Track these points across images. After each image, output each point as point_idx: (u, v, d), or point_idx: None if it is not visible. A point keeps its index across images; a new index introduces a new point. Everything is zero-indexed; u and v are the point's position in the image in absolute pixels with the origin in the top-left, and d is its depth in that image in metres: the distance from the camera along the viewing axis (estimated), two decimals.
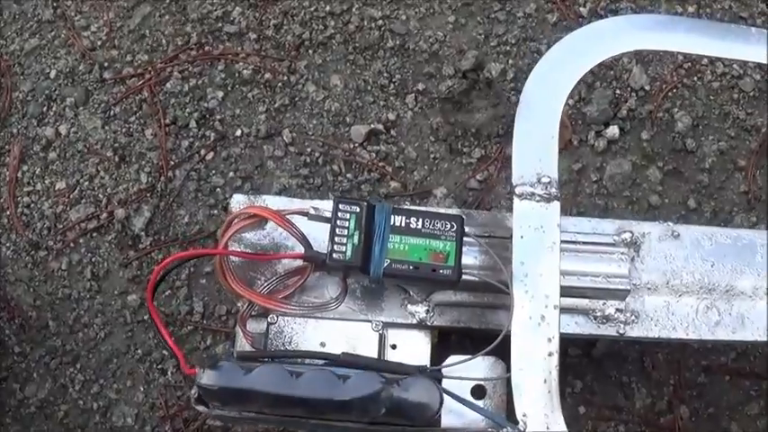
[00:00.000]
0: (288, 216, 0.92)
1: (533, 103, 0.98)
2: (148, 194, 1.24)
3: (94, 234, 1.23)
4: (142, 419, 1.17)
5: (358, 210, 0.91)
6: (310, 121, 1.29)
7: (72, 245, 1.23)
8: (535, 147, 0.96)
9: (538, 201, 0.93)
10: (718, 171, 1.28)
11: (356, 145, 1.28)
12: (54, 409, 1.17)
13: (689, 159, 1.29)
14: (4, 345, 1.18)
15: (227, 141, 1.28)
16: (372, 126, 1.28)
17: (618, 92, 1.31)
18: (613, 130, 1.29)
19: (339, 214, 0.91)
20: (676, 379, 1.20)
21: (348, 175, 1.26)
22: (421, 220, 0.92)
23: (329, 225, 0.91)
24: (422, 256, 0.91)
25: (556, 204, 0.93)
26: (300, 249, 0.93)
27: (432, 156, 1.28)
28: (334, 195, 1.24)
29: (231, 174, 1.26)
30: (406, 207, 0.96)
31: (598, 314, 0.99)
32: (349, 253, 0.90)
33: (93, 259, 1.22)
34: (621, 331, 0.99)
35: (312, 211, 0.92)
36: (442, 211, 1.03)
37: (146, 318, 1.20)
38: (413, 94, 1.31)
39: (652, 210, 1.26)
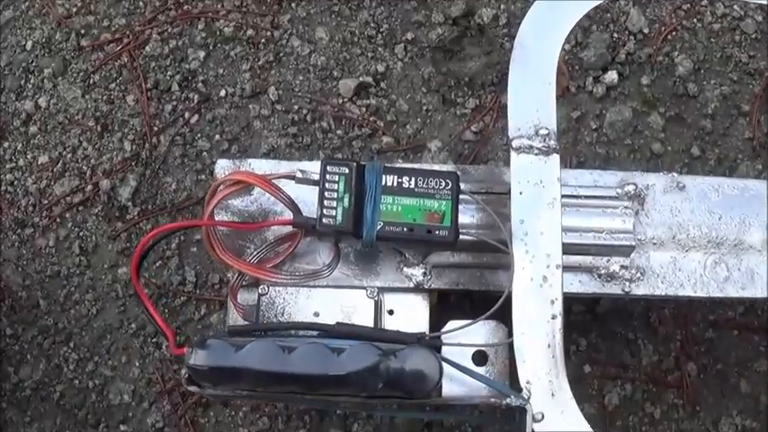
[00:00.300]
0: (275, 180, 0.89)
1: (528, 49, 0.93)
2: (133, 163, 1.20)
3: (80, 207, 1.19)
4: (139, 396, 1.14)
5: (347, 171, 0.87)
6: (296, 77, 1.24)
7: (58, 220, 1.19)
8: (531, 96, 0.92)
9: (536, 154, 0.89)
10: (721, 117, 1.24)
11: (345, 100, 1.23)
12: (50, 391, 1.14)
13: (691, 105, 1.24)
14: None
15: (211, 103, 1.23)
16: (361, 79, 1.23)
17: (615, 35, 1.26)
18: (612, 76, 1.24)
19: (327, 177, 0.86)
20: (683, 334, 1.16)
21: (338, 132, 1.22)
22: (414, 178, 0.87)
23: (318, 188, 0.87)
24: (416, 216, 0.87)
25: (555, 157, 0.89)
26: (289, 215, 0.89)
27: (424, 108, 1.23)
28: (323, 155, 1.20)
29: (217, 136, 1.21)
30: (397, 166, 0.92)
31: (602, 272, 0.95)
32: (339, 217, 0.86)
33: (81, 234, 1.18)
34: (627, 289, 0.95)
35: (299, 174, 0.88)
36: (437, 167, 0.98)
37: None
38: (402, 44, 1.26)
39: (655, 158, 1.22)
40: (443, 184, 0.88)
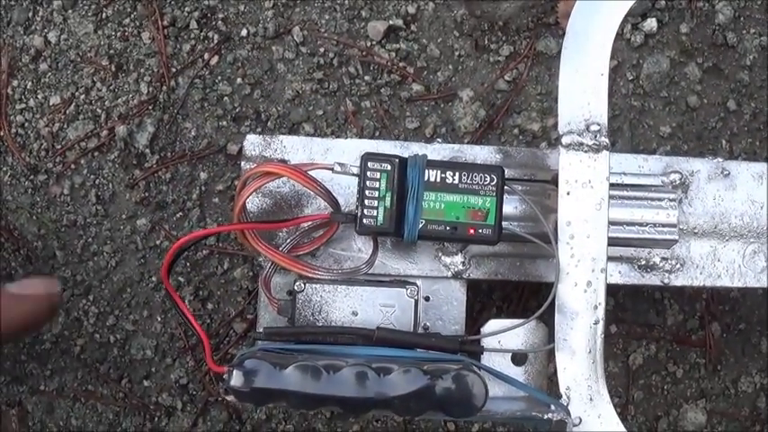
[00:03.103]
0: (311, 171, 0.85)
1: (580, 35, 0.88)
2: (150, 107, 1.15)
3: (96, 153, 1.14)
4: (162, 351, 1.13)
5: (389, 167, 0.83)
6: (322, 17, 1.17)
7: (73, 166, 1.14)
8: (583, 88, 0.87)
9: (586, 151, 0.86)
10: (759, 68, 1.19)
11: (374, 43, 1.17)
12: (70, 344, 1.13)
13: (729, 55, 1.19)
14: (12, 278, 1.12)
15: (232, 43, 1.16)
16: (391, 22, 1.17)
17: None
18: (651, 23, 1.18)
19: (368, 174, 0.83)
20: (709, 294, 1.16)
21: (366, 78, 1.16)
22: (458, 173, 0.85)
23: (355, 178, 0.84)
24: (459, 214, 0.84)
25: (605, 154, 0.86)
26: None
27: (456, 53, 1.17)
28: (350, 102, 1.15)
29: (239, 80, 1.16)
30: (440, 160, 0.89)
31: (642, 263, 0.94)
32: (380, 218, 0.83)
33: (97, 181, 1.14)
34: (666, 281, 0.94)
35: (337, 168, 0.84)
36: (478, 149, 0.95)
37: (158, 243, 1.13)
38: None
39: (690, 111, 1.17)
40: (488, 179, 0.85)
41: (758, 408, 1.17)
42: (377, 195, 0.83)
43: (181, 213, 1.14)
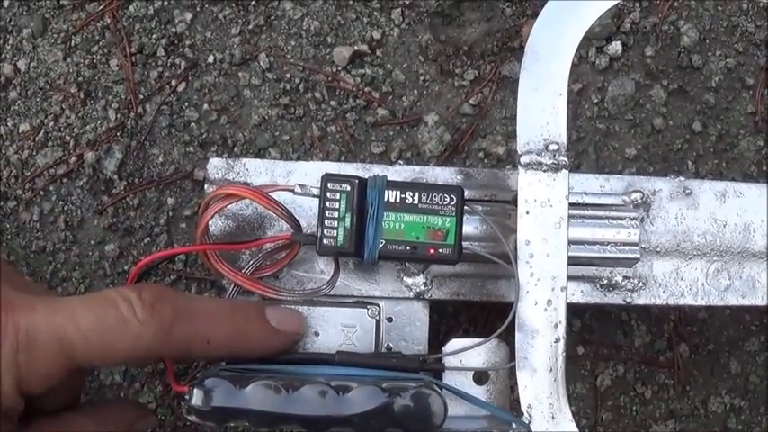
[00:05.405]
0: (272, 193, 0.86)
1: (540, 55, 0.89)
2: (118, 133, 1.15)
3: (65, 180, 1.14)
4: (131, 377, 1.13)
5: (348, 188, 0.84)
6: (288, 43, 1.18)
7: (42, 193, 1.14)
8: (542, 107, 0.88)
9: (545, 171, 0.86)
10: (724, 90, 1.20)
11: (339, 69, 1.18)
12: None
13: (695, 77, 1.20)
14: None
15: (198, 69, 1.17)
16: (356, 48, 1.18)
17: (621, 2, 1.20)
18: (616, 47, 1.19)
19: (328, 194, 0.84)
20: (677, 315, 1.16)
21: (332, 103, 1.17)
22: (417, 194, 0.85)
23: (317, 200, 0.85)
24: (419, 234, 0.85)
25: (564, 173, 0.87)
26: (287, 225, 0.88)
27: (421, 78, 1.19)
28: (316, 128, 1.16)
29: (206, 106, 1.16)
30: (400, 181, 0.89)
31: (604, 282, 0.94)
32: (341, 238, 0.83)
33: (66, 207, 1.14)
34: (628, 300, 0.95)
35: (298, 189, 0.85)
36: (439, 170, 0.96)
37: (126, 268, 1.13)
38: (399, 9, 1.19)
39: (655, 133, 1.19)
40: (448, 199, 0.85)
41: (729, 428, 1.17)
42: (337, 216, 0.83)
43: (149, 239, 1.14)
